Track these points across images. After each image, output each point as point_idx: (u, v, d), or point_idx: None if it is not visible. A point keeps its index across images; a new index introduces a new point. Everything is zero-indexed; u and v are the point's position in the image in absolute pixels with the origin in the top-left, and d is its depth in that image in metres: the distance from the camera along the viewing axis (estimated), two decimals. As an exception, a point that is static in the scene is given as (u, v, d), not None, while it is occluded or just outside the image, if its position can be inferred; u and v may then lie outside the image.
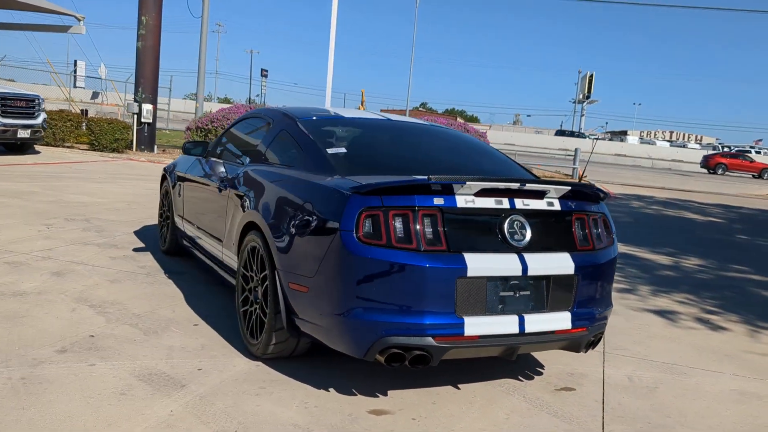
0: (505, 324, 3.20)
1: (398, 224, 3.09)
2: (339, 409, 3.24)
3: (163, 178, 6.28)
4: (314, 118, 4.34)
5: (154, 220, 7.88)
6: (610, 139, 72.28)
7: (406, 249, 3.07)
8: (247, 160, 4.47)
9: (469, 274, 3.10)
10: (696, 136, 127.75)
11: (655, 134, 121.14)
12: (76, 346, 3.76)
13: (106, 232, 6.95)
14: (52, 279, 5.06)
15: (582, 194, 3.52)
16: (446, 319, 3.09)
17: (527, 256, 3.26)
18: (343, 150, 3.84)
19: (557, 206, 3.42)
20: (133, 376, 3.41)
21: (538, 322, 3.28)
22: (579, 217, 3.51)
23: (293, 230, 3.41)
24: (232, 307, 4.70)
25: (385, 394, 3.47)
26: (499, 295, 3.20)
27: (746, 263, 8.59)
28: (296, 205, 3.46)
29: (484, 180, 3.20)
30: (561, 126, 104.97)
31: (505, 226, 3.25)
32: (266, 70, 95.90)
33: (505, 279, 3.20)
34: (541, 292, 3.30)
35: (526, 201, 3.34)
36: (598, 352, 4.44)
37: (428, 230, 3.11)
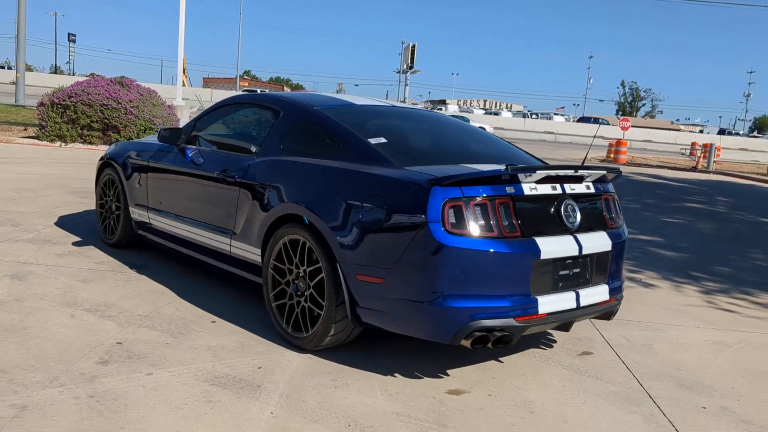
0: (566, 300, 3.49)
1: (479, 213, 3.25)
2: (420, 393, 3.37)
3: (104, 167, 5.85)
4: (333, 106, 4.32)
5: (63, 208, 7.28)
6: (466, 111, 74.64)
7: (488, 237, 3.24)
8: (254, 149, 4.34)
9: (542, 257, 3.34)
10: (507, 104, 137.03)
11: (470, 103, 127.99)
12: (114, 356, 3.53)
13: (24, 225, 6.34)
14: (15, 283, 4.61)
15: (604, 177, 3.87)
16: (524, 300, 3.32)
17: (580, 237, 3.56)
18: (383, 140, 3.88)
19: (592, 189, 3.76)
20: (201, 381, 3.30)
21: (587, 296, 3.61)
22: (605, 198, 3.88)
23: (361, 224, 3.43)
24: (239, 300, 4.59)
25: (448, 375, 3.64)
26: (560, 273, 3.48)
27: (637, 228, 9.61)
28: (361, 198, 3.47)
29: (548, 168, 3.44)
30: (386, 96, 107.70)
31: (562, 210, 3.52)
32: (74, 35, 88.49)
33: (565, 259, 3.48)
34: (587, 269, 3.63)
35: (572, 185, 3.63)
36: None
37: (504, 218, 3.30)
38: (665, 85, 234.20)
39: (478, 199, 3.27)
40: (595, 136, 5.89)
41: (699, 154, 25.27)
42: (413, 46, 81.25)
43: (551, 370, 3.82)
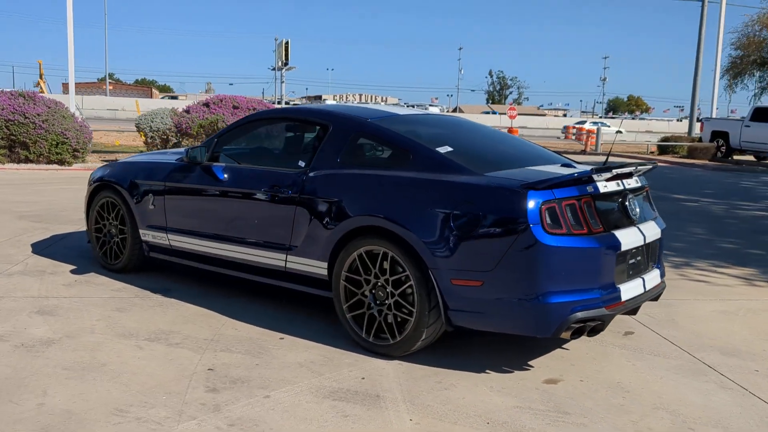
0: (637, 286, 3.83)
1: (569, 213, 3.52)
2: (522, 386, 3.60)
3: (99, 190, 5.61)
4: (383, 117, 4.42)
5: (27, 235, 6.87)
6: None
7: (580, 234, 3.51)
8: (302, 164, 4.38)
9: (622, 248, 3.65)
10: (382, 97, 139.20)
11: (346, 97, 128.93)
12: (218, 383, 3.50)
13: (1, 257, 5.96)
14: (50, 319, 4.39)
15: (645, 171, 4.25)
16: (611, 290, 3.62)
17: (641, 227, 3.92)
18: (450, 148, 4.05)
19: (639, 183, 4.12)
20: (321, 398, 3.36)
21: (649, 281, 3.98)
22: (646, 190, 4.26)
23: (455, 231, 3.60)
24: (290, 315, 4.61)
25: (532, 366, 3.89)
26: (630, 262, 3.81)
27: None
28: (451, 206, 3.63)
29: (619, 166, 3.76)
30: (263, 94, 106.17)
31: (627, 204, 3.85)
32: None
33: (635, 249, 3.81)
34: (645, 256, 3.99)
35: (627, 181, 3.97)
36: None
37: (589, 215, 3.59)
38: (529, 72, 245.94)
39: (568, 200, 3.52)
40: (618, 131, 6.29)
41: (585, 138, 26.95)
42: (287, 43, 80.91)
43: (614, 352, 4.15)
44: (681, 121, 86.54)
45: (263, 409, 3.22)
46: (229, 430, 3.01)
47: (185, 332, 4.24)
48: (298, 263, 4.31)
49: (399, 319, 3.84)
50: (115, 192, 5.46)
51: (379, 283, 3.92)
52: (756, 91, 28.75)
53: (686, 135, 28.54)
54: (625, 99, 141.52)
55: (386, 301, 3.90)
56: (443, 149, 4.02)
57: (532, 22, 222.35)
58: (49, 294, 4.93)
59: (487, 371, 3.78)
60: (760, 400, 3.52)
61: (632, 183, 4.02)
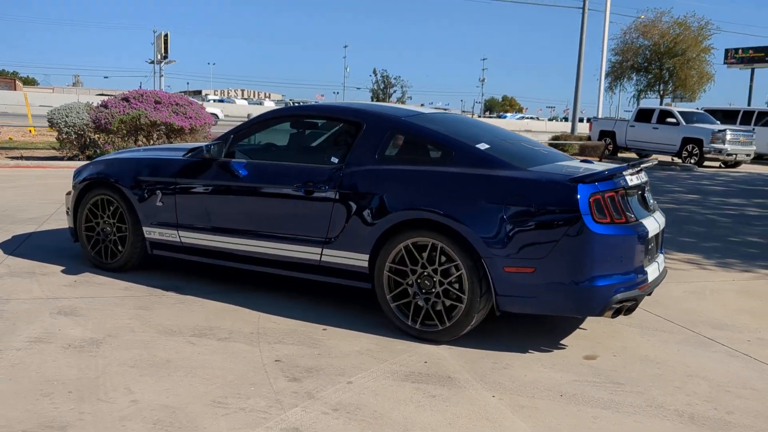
0: (654, 270, 4.29)
1: (610, 204, 3.90)
2: (568, 363, 3.95)
3: (90, 188, 5.45)
4: (414, 115, 4.62)
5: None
6: (220, 100, 72.66)
7: (619, 223, 3.91)
8: (335, 160, 4.52)
9: (649, 235, 4.09)
10: (266, 93, 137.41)
11: (229, 93, 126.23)
12: (294, 373, 3.61)
13: (-24, 259, 5.66)
14: (79, 320, 4.28)
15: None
16: (642, 272, 4.05)
17: (655, 216, 4.38)
18: (487, 145, 4.32)
19: (646, 177, 4.59)
20: (402, 381, 3.55)
21: (660, 264, 4.45)
22: (648, 183, 4.74)
23: (507, 222, 3.88)
24: (322, 307, 4.72)
25: (565, 345, 4.25)
26: (649, 248, 4.25)
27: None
28: (502, 200, 3.91)
29: (643, 162, 4.19)
30: (140, 86, 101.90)
31: (645, 195, 4.30)
32: None
33: (654, 236, 4.26)
34: (656, 242, 4.46)
35: (640, 175, 4.42)
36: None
37: (624, 205, 3.99)
38: (412, 72, 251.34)
39: (609, 192, 3.90)
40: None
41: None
42: (166, 35, 78.27)
43: (625, 330, 4.59)
44: (552, 120, 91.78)
45: (354, 393, 3.37)
46: (335, 415, 3.14)
47: (226, 327, 4.27)
48: (335, 256, 4.44)
49: (447, 306, 4.08)
50: (113, 189, 5.33)
51: (426, 273, 4.13)
52: (634, 93, 31.10)
53: (570, 134, 30.41)
54: (500, 99, 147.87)
55: (433, 290, 4.12)
56: (482, 146, 4.29)
57: (417, 22, 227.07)
58: (55, 295, 4.77)
59: (530, 351, 4.09)
60: (767, 365, 4.05)
61: (644, 177, 4.46)
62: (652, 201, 4.42)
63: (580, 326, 4.60)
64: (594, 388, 3.58)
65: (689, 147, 21.00)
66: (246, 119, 5.97)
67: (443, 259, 4.08)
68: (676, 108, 23.39)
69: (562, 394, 3.48)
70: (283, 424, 3.02)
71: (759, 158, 24.08)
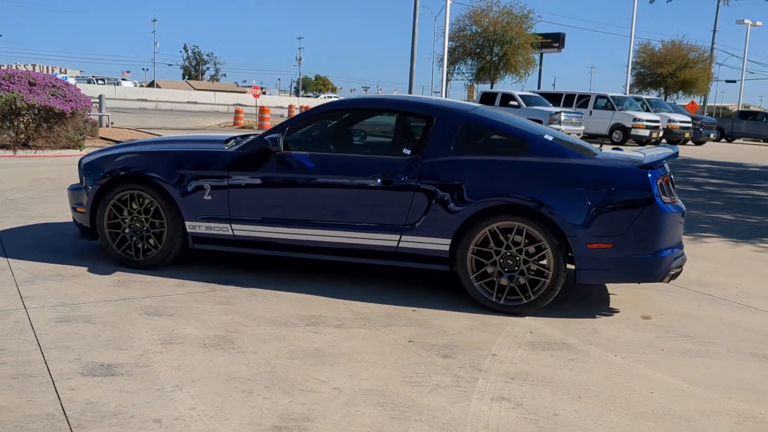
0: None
1: (665, 187, 4.63)
2: (635, 323, 4.62)
3: (117, 181, 5.22)
4: (476, 108, 5.01)
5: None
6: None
7: (673, 203, 4.64)
8: (408, 152, 4.80)
9: (685, 214, 4.87)
10: (60, 69, 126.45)
11: (17, 66, 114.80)
12: (441, 351, 3.93)
13: (-23, 264, 5.20)
14: (182, 320, 4.24)
15: None
16: (682, 245, 4.82)
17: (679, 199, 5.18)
18: (550, 136, 4.84)
19: (661, 163, 5.38)
20: (531, 350, 4.01)
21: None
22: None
23: (591, 204, 4.44)
24: (389, 289, 4.99)
25: (617, 310, 4.92)
26: (681, 223, 5.03)
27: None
28: (585, 185, 4.46)
29: (677, 150, 4.96)
30: None
31: (672, 180, 5.08)
32: None
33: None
34: (676, 219, 5.26)
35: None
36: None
37: (671, 188, 4.74)
38: (225, 49, 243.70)
39: (664, 176, 4.62)
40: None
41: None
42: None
43: (645, 293, 5.36)
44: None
45: (510, 363, 3.77)
46: (517, 382, 3.53)
47: (329, 315, 4.43)
48: (414, 242, 4.75)
49: (531, 281, 4.57)
50: (147, 184, 5.15)
51: (510, 253, 4.59)
52: (470, 76, 33.20)
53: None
54: (313, 79, 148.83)
55: (516, 268, 4.59)
56: (549, 137, 4.81)
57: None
58: (119, 296, 4.60)
59: (597, 316, 4.72)
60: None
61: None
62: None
63: (611, 292, 5.30)
64: (678, 342, 4.28)
65: (532, 128, 22.99)
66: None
67: (527, 240, 4.55)
68: (517, 92, 25.44)
69: (663, 349, 4.14)
70: (488, 395, 3.36)
71: (590, 137, 26.97)
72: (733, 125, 37.56)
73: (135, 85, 76.74)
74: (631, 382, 3.62)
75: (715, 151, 27.08)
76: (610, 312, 4.82)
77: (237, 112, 28.95)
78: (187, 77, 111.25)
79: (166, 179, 5.08)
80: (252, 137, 5.22)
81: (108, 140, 15.91)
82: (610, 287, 5.41)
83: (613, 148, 5.36)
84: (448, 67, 32.39)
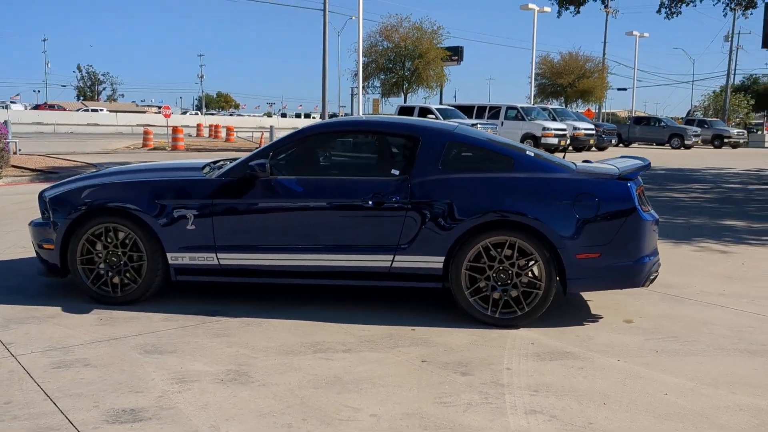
0: (651, 247, 5.37)
1: (642, 196, 4.89)
2: (621, 327, 4.84)
3: (88, 217, 5.00)
4: (460, 128, 5.12)
5: None
6: None
7: (649, 212, 4.91)
8: (396, 172, 4.86)
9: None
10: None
11: None
12: (454, 368, 4.00)
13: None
14: (178, 357, 4.11)
15: None
16: (657, 251, 5.09)
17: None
18: (531, 152, 5.01)
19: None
20: (538, 361, 4.14)
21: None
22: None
23: (578, 216, 4.63)
24: (378, 310, 5.01)
25: (600, 316, 5.14)
26: (650, 230, 5.30)
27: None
28: (572, 198, 4.64)
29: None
30: None
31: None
32: None
33: (652, 221, 5.32)
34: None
35: (630, 172, 5.48)
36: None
37: (646, 198, 5.01)
38: (122, 68, 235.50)
39: (640, 186, 4.88)
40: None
41: (260, 136, 28.03)
42: None
43: (618, 297, 5.63)
44: (272, 116, 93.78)
45: (527, 376, 3.88)
46: (543, 394, 3.64)
47: (333, 340, 4.41)
48: (408, 261, 4.79)
49: (523, 294, 4.71)
50: (124, 216, 4.96)
51: (502, 267, 4.72)
52: (383, 90, 33.58)
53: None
54: (215, 96, 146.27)
55: (509, 281, 4.72)
56: (530, 153, 4.98)
57: (124, 16, 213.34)
58: (107, 336, 4.41)
59: (585, 323, 4.91)
60: (735, 310, 5.37)
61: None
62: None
63: (586, 299, 5.53)
64: (666, 343, 4.52)
65: (451, 140, 23.53)
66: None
67: (518, 253, 4.69)
68: (435, 106, 25.95)
69: (657, 351, 4.36)
70: (520, 409, 3.44)
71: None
72: (629, 131, 39.69)
73: (26, 108, 72.95)
74: (643, 385, 3.79)
75: (617, 156, 28.49)
76: (594, 318, 5.03)
77: (146, 133, 28.02)
78: (82, 98, 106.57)
79: (146, 210, 4.91)
80: (232, 163, 5.14)
81: (21, 169, 15.09)
82: (585, 294, 5.63)
83: (584, 161, 5.59)
84: (364, 81, 32.65)
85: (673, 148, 36.74)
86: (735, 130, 41.72)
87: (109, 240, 5.02)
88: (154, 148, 26.32)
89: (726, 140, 40.18)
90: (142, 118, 56.63)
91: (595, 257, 4.68)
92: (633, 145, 39.67)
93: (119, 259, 5.02)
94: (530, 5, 37.05)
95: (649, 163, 5.13)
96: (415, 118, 5.85)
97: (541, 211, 4.65)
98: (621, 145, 38.47)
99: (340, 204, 4.81)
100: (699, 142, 39.03)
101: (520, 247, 4.67)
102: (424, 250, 4.76)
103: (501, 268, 4.71)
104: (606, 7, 39.69)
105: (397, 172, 4.87)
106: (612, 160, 5.61)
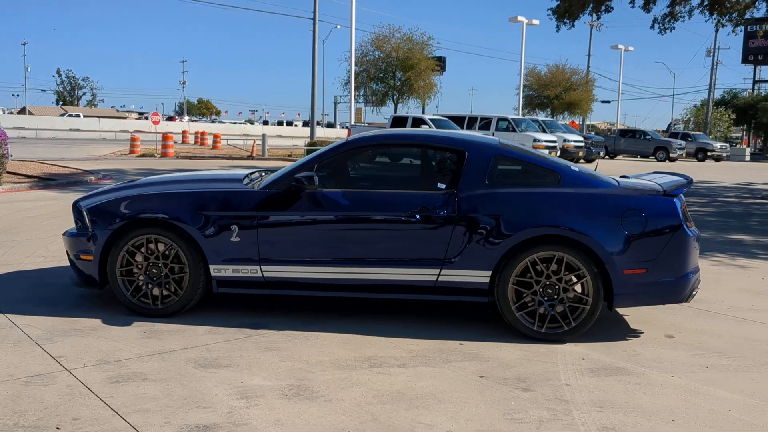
0: (692, 262, 5.41)
1: (686, 213, 4.94)
2: (664, 342, 4.87)
3: (128, 229, 4.94)
4: (504, 143, 5.13)
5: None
6: None
7: (692, 228, 4.96)
8: (443, 186, 4.86)
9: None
10: None
11: None
12: (515, 384, 4.00)
13: (-25, 322, 4.77)
14: (233, 371, 4.06)
15: None
16: (698, 267, 5.14)
17: (684, 222, 5.51)
18: (576, 167, 5.04)
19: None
20: (589, 375, 4.16)
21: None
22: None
23: (625, 232, 4.67)
24: (427, 324, 5.00)
25: (641, 331, 5.18)
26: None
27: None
28: (620, 214, 4.68)
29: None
30: None
31: (681, 205, 5.42)
32: None
33: (694, 237, 5.37)
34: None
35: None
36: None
37: (688, 215, 5.06)
38: (102, 73, 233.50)
39: (683, 204, 4.93)
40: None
41: (252, 144, 27.89)
42: None
43: (653, 311, 5.67)
44: (254, 123, 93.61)
45: (588, 392, 3.88)
46: (609, 411, 3.64)
47: (381, 354, 4.39)
48: (454, 275, 4.79)
49: (570, 309, 4.73)
50: (166, 227, 4.91)
51: (549, 282, 4.73)
52: (374, 99, 33.62)
53: (312, 140, 31.87)
54: (196, 102, 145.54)
55: (556, 296, 4.74)
56: (576, 168, 5.01)
57: (105, 21, 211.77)
58: (156, 350, 4.35)
59: (628, 338, 4.94)
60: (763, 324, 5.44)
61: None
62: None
63: (623, 314, 5.56)
64: (713, 359, 4.55)
65: (445, 150, 23.59)
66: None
67: (565, 268, 4.71)
68: (428, 116, 26.04)
69: (707, 367, 4.39)
70: (593, 426, 3.44)
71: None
72: (615, 143, 40.11)
73: (3, 112, 72.04)
74: (705, 402, 3.81)
75: (605, 168, 28.78)
76: (636, 333, 5.05)
77: (133, 139, 27.78)
78: (61, 103, 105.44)
79: (189, 222, 4.86)
80: (275, 175, 5.11)
81: (17, 175, 14.89)
82: (620, 309, 5.65)
83: (621, 176, 5.63)
84: (356, 90, 32.67)
85: (658, 160, 37.18)
86: (718, 144, 42.33)
87: (149, 251, 4.96)
88: (143, 155, 26.15)
89: (709, 153, 40.79)
90: (125, 124, 56.26)
91: (642, 273, 4.71)
92: (618, 157, 40.10)
93: (160, 270, 4.96)
94: (519, 18, 37.40)
95: (692, 180, 5.17)
96: (459, 132, 5.86)
97: (590, 227, 4.67)
98: (607, 156, 38.84)
99: (387, 218, 4.80)
100: (683, 155, 39.55)
101: (568, 262, 4.69)
102: (471, 264, 4.76)
103: (548, 283, 4.72)
104: (593, 21, 40.22)
105: (443, 186, 4.87)
106: (646, 175, 5.66)
